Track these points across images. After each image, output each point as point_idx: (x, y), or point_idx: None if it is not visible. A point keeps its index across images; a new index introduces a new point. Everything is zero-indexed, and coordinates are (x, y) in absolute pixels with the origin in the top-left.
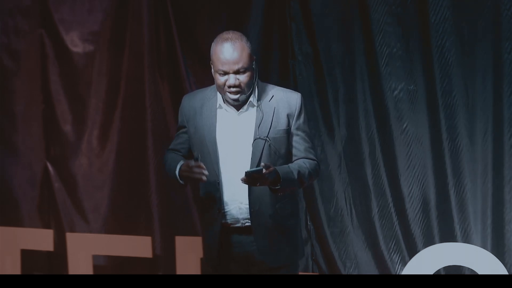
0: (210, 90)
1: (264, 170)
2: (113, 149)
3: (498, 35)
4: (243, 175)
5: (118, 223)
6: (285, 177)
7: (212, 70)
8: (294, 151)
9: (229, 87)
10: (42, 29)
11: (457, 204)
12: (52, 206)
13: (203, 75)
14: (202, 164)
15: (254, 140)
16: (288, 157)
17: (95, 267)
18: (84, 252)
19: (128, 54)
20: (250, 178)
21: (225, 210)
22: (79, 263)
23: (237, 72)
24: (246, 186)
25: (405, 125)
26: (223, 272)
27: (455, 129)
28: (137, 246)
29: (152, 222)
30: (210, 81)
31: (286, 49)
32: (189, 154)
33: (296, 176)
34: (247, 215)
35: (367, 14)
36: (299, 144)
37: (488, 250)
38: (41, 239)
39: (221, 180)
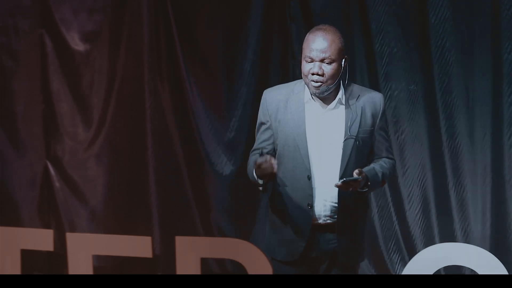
0: (297, 84)
1: (360, 178)
2: (113, 149)
3: (498, 35)
4: (331, 172)
5: (118, 223)
6: (373, 181)
7: (302, 61)
8: (376, 150)
9: (312, 74)
10: (42, 29)
11: (457, 204)
12: (52, 206)
13: (203, 75)
14: (269, 157)
15: (346, 139)
16: (370, 156)
17: (95, 267)
18: (84, 252)
19: (128, 54)
20: (346, 185)
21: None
22: (79, 263)
23: (322, 60)
24: (331, 182)
25: (405, 125)
26: (289, 271)
27: (455, 129)
28: (137, 246)
29: (152, 222)
30: (210, 81)
31: (286, 49)
32: (273, 151)
33: (380, 178)
34: (329, 213)
35: (367, 14)
36: (381, 143)
37: (488, 250)
38: (41, 239)
39: (313, 175)
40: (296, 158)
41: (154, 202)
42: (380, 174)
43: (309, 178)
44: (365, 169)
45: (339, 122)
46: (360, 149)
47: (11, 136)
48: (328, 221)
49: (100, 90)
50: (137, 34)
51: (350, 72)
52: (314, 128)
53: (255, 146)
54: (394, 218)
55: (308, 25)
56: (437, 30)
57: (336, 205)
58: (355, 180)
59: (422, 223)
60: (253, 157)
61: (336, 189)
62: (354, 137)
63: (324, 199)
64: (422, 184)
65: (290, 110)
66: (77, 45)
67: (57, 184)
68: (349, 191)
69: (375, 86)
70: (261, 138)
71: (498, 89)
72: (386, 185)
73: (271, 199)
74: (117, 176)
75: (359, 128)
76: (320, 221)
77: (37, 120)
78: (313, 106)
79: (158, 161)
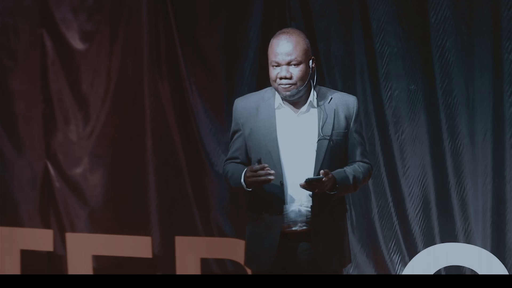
0: (266, 92)
1: (324, 178)
2: (113, 149)
3: (498, 35)
4: (305, 176)
5: (118, 223)
6: (341, 183)
7: (269, 67)
8: (350, 153)
9: (280, 78)
10: (42, 29)
11: (458, 204)
12: (52, 206)
13: (203, 75)
14: (266, 165)
15: (319, 140)
16: (345, 159)
17: (95, 267)
18: (84, 252)
19: (128, 54)
20: (310, 185)
21: (285, 212)
22: (79, 263)
23: (289, 63)
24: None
25: (405, 125)
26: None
27: (455, 129)
28: (137, 246)
29: (152, 222)
30: (210, 81)
31: None
32: (247, 159)
33: (351, 181)
34: (304, 218)
35: (367, 14)
36: (355, 147)
37: (488, 250)
38: (41, 239)
39: (285, 181)
40: (269, 166)
41: (154, 202)
42: (351, 177)
43: (282, 184)
44: (335, 171)
45: (312, 125)
46: (334, 151)
47: (11, 136)
48: (304, 227)
49: (100, 90)
50: (137, 34)
51: (350, 72)
52: (286, 133)
53: (229, 155)
54: (395, 218)
55: (308, 25)
56: (437, 30)
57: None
58: (319, 180)
59: (422, 223)
60: (231, 165)
61: (311, 194)
62: (328, 137)
63: (299, 205)
64: (422, 184)
65: (261, 118)
66: (77, 44)
67: (57, 184)
68: (321, 194)
69: (375, 86)
70: (234, 146)
71: (499, 89)
72: (386, 185)
73: (248, 208)
74: (117, 176)
75: (332, 130)
76: (296, 227)
77: (37, 120)
78: (284, 112)
79: (158, 161)
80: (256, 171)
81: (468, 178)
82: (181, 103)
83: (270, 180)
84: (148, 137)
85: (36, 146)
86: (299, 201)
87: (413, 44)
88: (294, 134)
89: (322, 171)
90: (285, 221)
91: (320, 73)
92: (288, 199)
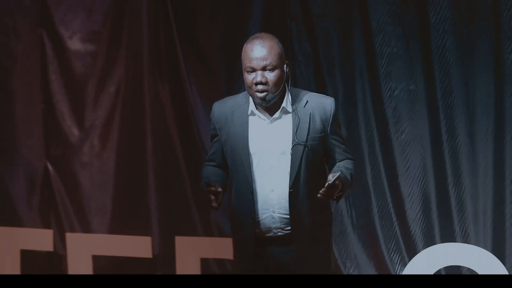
0: (241, 96)
1: (337, 181)
2: (113, 149)
3: (498, 35)
4: (280, 183)
5: (118, 223)
6: (345, 183)
7: (243, 73)
8: (331, 154)
9: (256, 84)
10: (42, 29)
11: (458, 204)
12: (52, 206)
13: (203, 75)
14: (213, 189)
15: (293, 146)
16: (322, 163)
17: (95, 267)
18: (84, 252)
19: (128, 54)
20: (331, 188)
21: (259, 219)
22: (79, 263)
23: (264, 68)
24: (279, 194)
25: (405, 125)
26: None
27: (455, 129)
28: (137, 246)
29: (152, 222)
30: (210, 81)
31: (286, 49)
32: (224, 163)
33: (350, 180)
34: (279, 224)
35: (367, 14)
36: (337, 147)
37: (488, 250)
38: (41, 239)
39: (255, 189)
40: (241, 173)
41: (154, 202)
42: (349, 176)
43: (252, 192)
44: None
45: (286, 131)
46: (310, 156)
47: (11, 136)
48: (279, 233)
49: (99, 90)
50: (137, 33)
51: (350, 72)
52: (258, 140)
53: (207, 157)
54: (394, 219)
55: (308, 25)
56: (437, 30)
57: (287, 216)
58: (338, 178)
59: (422, 223)
60: (206, 168)
61: (286, 201)
62: (302, 143)
63: (272, 211)
64: (422, 184)
65: (235, 124)
66: (77, 45)
67: (56, 184)
68: (296, 201)
69: (375, 86)
70: (212, 149)
71: (499, 89)
72: (386, 185)
73: (230, 217)
74: (117, 176)
75: (307, 135)
76: (271, 233)
77: (37, 120)
78: (257, 118)
79: (158, 161)
80: (203, 193)
81: (468, 178)
82: (181, 103)
83: (213, 208)
84: (148, 137)
85: (36, 146)
86: (270, 207)
87: (413, 44)
88: (266, 142)
89: (330, 176)
90: (260, 228)
91: (320, 73)
92: (259, 206)
